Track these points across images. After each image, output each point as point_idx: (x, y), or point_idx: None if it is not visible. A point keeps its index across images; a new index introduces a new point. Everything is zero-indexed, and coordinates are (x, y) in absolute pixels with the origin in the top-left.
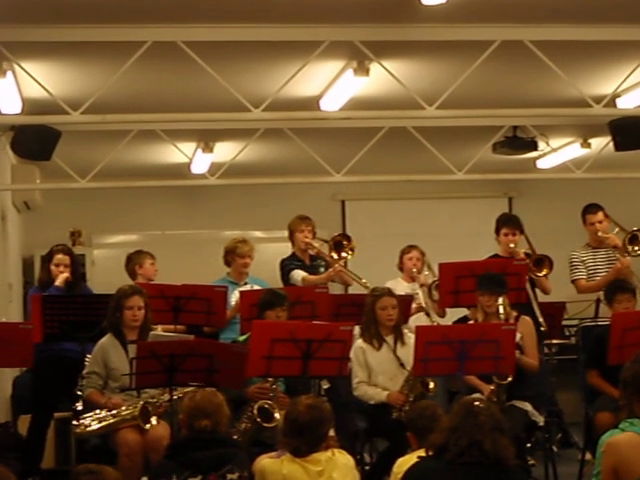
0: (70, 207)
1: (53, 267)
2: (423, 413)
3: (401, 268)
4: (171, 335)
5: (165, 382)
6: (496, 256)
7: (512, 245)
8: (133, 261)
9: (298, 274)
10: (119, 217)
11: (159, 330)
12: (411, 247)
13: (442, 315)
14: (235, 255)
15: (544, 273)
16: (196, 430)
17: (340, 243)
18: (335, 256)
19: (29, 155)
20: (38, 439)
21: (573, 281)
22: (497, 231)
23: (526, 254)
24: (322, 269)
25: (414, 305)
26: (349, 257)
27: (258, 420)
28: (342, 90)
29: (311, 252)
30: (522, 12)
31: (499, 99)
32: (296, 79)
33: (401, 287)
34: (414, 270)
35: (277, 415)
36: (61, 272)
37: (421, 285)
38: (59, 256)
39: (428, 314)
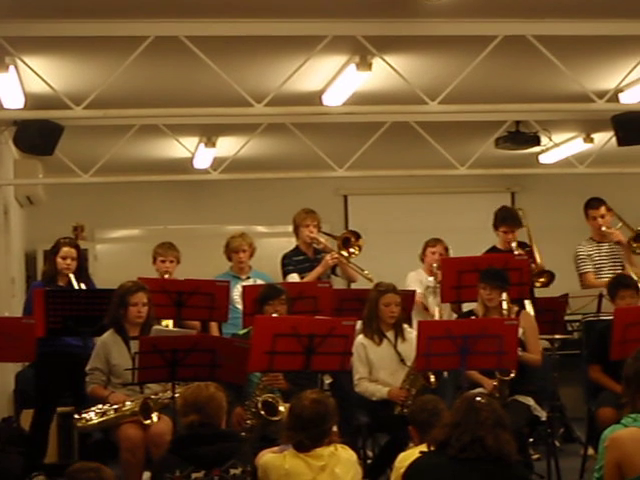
0: (73, 202)
1: (60, 260)
2: (425, 407)
3: (423, 259)
4: (174, 330)
5: (168, 377)
6: (495, 249)
7: (514, 244)
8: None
9: (292, 277)
10: (122, 212)
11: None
12: (436, 241)
13: (457, 311)
14: (230, 250)
15: (539, 284)
16: (186, 426)
17: (348, 240)
18: (344, 253)
19: (32, 150)
20: (41, 434)
21: (581, 274)
22: (495, 226)
23: (520, 244)
24: None
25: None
26: (355, 254)
27: (262, 413)
28: (345, 85)
29: (317, 247)
30: (524, 7)
31: (502, 94)
32: (298, 74)
33: (423, 278)
34: (434, 265)
35: (282, 408)
36: (68, 265)
37: (439, 282)
38: (66, 249)
39: (427, 309)
